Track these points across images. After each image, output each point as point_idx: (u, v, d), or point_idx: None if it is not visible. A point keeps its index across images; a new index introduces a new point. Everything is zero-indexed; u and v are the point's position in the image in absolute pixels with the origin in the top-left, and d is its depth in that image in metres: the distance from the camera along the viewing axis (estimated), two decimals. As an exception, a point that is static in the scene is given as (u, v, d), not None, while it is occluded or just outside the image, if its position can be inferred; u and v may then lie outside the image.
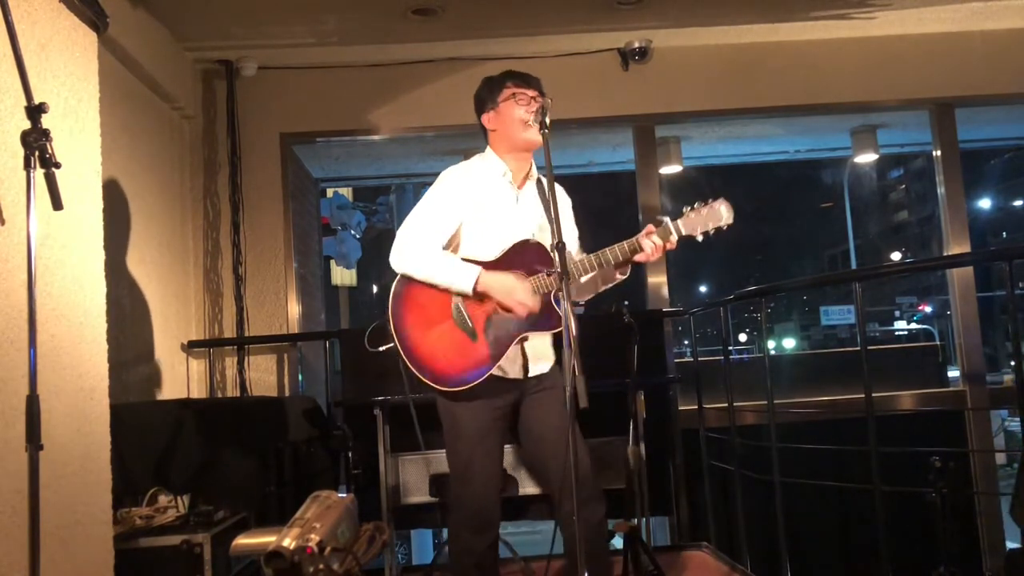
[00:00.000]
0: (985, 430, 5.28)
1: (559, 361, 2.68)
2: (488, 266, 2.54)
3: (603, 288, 2.75)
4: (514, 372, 2.59)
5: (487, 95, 2.68)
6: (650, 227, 2.48)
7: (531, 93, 2.61)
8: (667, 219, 2.44)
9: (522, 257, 2.54)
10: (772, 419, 3.87)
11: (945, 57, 5.25)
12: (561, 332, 2.19)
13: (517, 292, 2.46)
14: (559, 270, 2.26)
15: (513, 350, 2.54)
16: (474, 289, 2.49)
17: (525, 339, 2.57)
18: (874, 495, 3.31)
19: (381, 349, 2.61)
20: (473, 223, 2.61)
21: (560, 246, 2.29)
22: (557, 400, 2.44)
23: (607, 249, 2.51)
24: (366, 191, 10.43)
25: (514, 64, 2.85)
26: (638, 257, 2.48)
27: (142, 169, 4.28)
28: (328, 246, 8.63)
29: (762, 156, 6.89)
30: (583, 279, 2.67)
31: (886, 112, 5.67)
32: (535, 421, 2.63)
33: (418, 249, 2.55)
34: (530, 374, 2.61)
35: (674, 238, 2.45)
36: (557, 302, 2.45)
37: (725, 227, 2.42)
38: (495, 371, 2.52)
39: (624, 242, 2.50)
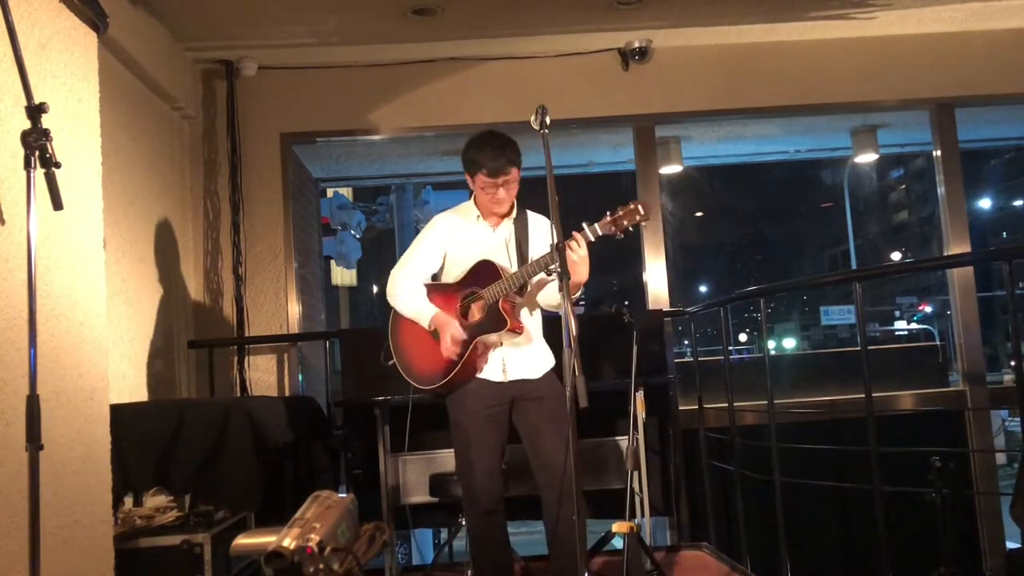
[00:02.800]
0: (985, 430, 5.28)
1: (556, 371, 3.02)
2: (451, 287, 3.06)
3: (558, 302, 2.91)
4: (496, 377, 3.02)
5: (467, 166, 3.03)
6: (574, 233, 2.82)
7: (498, 182, 2.96)
8: (585, 224, 2.82)
9: (476, 276, 2.99)
10: (772, 419, 3.87)
11: (945, 57, 5.25)
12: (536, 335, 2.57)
13: (446, 339, 2.93)
14: (559, 271, 2.51)
15: (493, 358, 3.01)
16: (430, 324, 2.99)
17: (490, 345, 3.00)
18: (874, 495, 3.31)
19: (390, 363, 3.14)
20: (453, 254, 3.11)
21: (560, 247, 2.52)
22: (542, 407, 2.98)
23: (532, 262, 2.90)
24: (366, 191, 10.43)
25: (514, 65, 2.90)
26: (571, 257, 2.75)
27: (142, 169, 4.28)
28: (328, 246, 8.64)
29: (762, 156, 6.89)
30: (541, 295, 3.08)
31: (886, 112, 5.67)
32: (523, 424, 3.05)
33: (397, 290, 3.10)
34: (508, 378, 3.02)
35: (591, 238, 2.81)
36: (508, 307, 2.94)
37: (643, 223, 2.81)
38: (480, 375, 3.01)
39: (545, 254, 2.84)
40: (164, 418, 3.36)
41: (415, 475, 4.39)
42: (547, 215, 2.89)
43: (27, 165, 2.13)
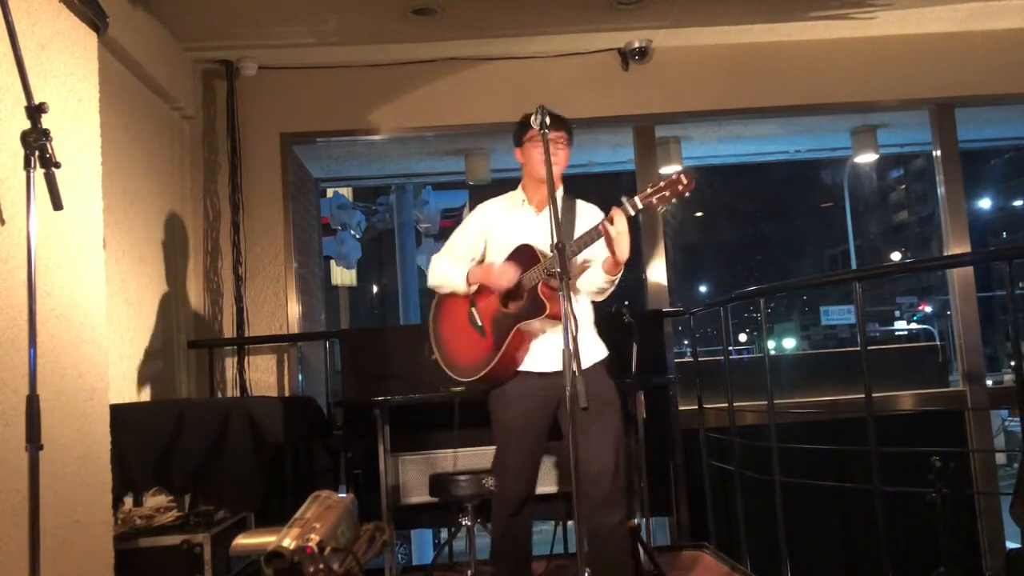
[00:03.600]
0: (985, 430, 5.28)
1: (607, 364, 2.96)
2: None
3: (599, 287, 2.90)
4: (539, 367, 2.88)
5: (516, 137, 2.99)
6: (613, 208, 2.69)
7: (553, 135, 2.76)
8: (624, 199, 2.68)
9: (517, 259, 2.87)
10: (772, 419, 3.87)
11: (945, 57, 5.25)
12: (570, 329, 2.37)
13: (494, 268, 2.87)
14: (559, 270, 2.42)
15: (536, 347, 2.88)
16: (467, 282, 2.94)
17: (532, 334, 2.86)
18: (874, 495, 3.31)
19: (432, 358, 3.05)
20: (495, 240, 3.03)
21: (560, 247, 2.45)
22: (589, 405, 2.73)
23: (572, 241, 2.77)
24: (366, 191, 10.43)
25: (514, 65, 2.89)
26: (610, 234, 2.66)
27: (142, 169, 4.28)
28: (328, 246, 8.64)
29: (762, 156, 6.89)
30: (581, 280, 2.92)
31: (886, 112, 5.67)
32: (564, 423, 2.89)
33: (435, 267, 3.06)
34: (551, 370, 2.79)
35: (631, 212, 2.67)
36: (548, 291, 2.78)
37: (686, 192, 2.61)
38: (523, 368, 2.88)
39: (585, 233, 2.76)
40: (164, 418, 3.36)
41: (415, 475, 4.39)
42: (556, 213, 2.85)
43: (27, 165, 2.13)
